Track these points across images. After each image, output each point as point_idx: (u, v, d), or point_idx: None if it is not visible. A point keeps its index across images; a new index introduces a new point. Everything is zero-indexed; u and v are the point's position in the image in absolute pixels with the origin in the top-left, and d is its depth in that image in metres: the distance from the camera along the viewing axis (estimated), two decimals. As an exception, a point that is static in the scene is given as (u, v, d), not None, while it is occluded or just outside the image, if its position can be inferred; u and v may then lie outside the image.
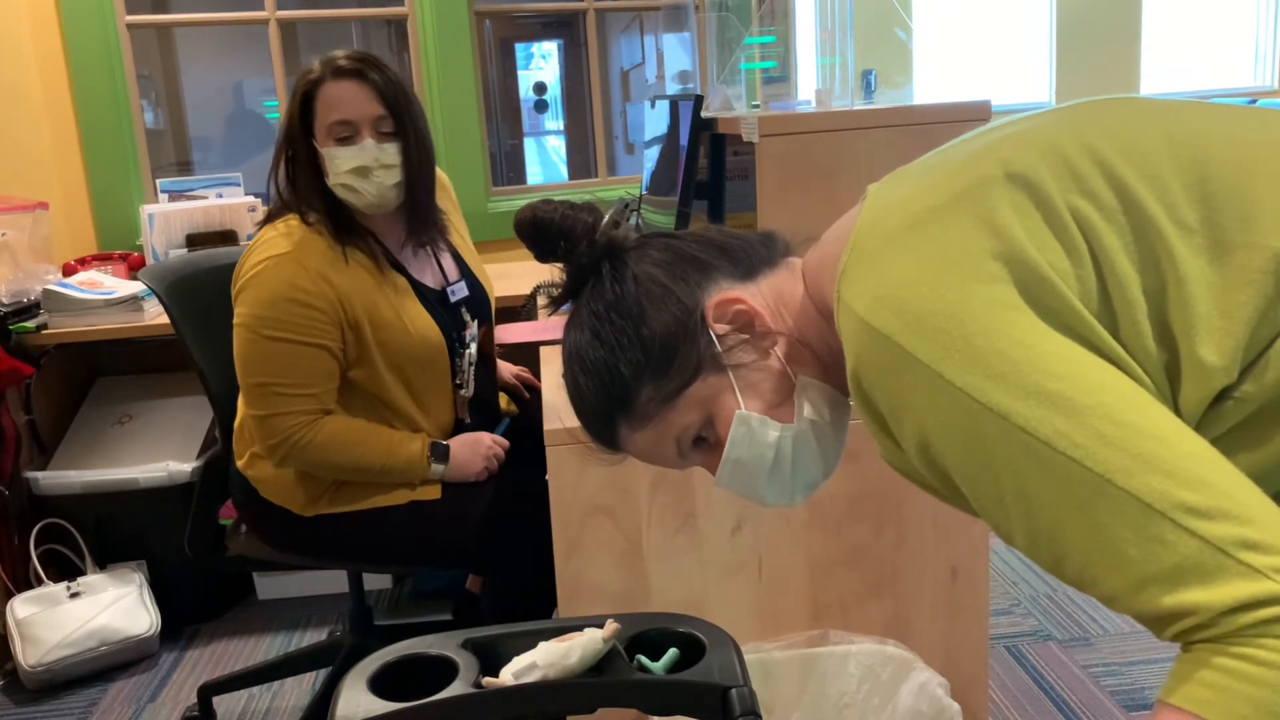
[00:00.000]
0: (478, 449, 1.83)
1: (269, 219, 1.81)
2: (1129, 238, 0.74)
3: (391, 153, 1.74)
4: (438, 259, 1.92)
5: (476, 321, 1.94)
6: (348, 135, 1.72)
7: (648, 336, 0.89)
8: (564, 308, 0.99)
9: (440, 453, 1.80)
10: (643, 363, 0.89)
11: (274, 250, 1.72)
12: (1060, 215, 0.75)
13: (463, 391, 1.90)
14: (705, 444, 0.93)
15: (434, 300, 1.85)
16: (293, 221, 1.77)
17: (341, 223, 1.76)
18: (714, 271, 0.91)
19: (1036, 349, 0.71)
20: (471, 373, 1.92)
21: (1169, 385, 0.74)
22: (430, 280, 1.88)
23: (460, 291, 1.92)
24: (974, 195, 0.77)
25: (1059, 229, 0.75)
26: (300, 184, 1.77)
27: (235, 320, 1.73)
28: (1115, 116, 0.81)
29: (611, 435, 0.94)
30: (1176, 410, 0.74)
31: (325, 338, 1.71)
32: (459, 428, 1.91)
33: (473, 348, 1.92)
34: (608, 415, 0.92)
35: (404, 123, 1.75)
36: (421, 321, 1.80)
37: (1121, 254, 0.74)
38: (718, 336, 0.89)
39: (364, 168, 1.72)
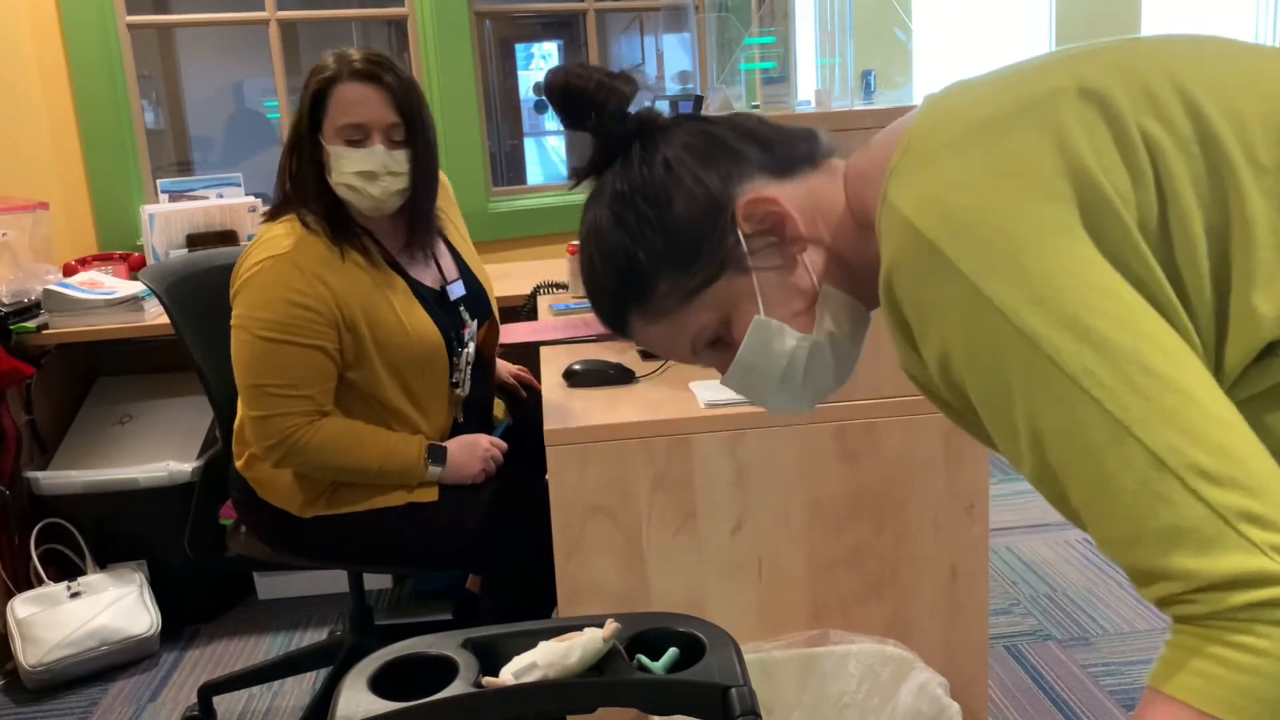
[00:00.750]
0: (475, 451, 1.83)
1: (271, 215, 1.81)
2: (1200, 169, 0.71)
3: (400, 160, 1.75)
4: (435, 258, 1.92)
5: (476, 321, 1.94)
6: (358, 138, 1.73)
7: (672, 227, 0.85)
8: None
9: (437, 455, 1.80)
10: (664, 254, 0.85)
11: (271, 251, 1.72)
12: (1130, 136, 0.71)
13: (458, 391, 1.90)
14: (719, 344, 0.90)
15: (432, 300, 1.86)
16: (292, 222, 1.77)
17: (339, 222, 1.77)
18: (749, 165, 0.86)
19: (1084, 279, 0.68)
20: (468, 372, 1.92)
21: (1215, 333, 0.72)
22: (428, 279, 1.88)
23: (458, 290, 1.92)
24: (1043, 107, 0.74)
25: (1127, 151, 0.71)
26: (302, 179, 1.77)
27: (232, 321, 1.74)
28: (1200, 49, 0.78)
29: (623, 323, 0.90)
30: (1220, 361, 0.72)
31: (321, 339, 1.71)
32: (456, 429, 1.92)
33: (471, 347, 1.92)
34: (621, 303, 0.89)
35: (415, 132, 1.76)
36: (420, 321, 1.80)
37: (1189, 186, 0.71)
38: (746, 237, 0.85)
39: (370, 172, 1.73)
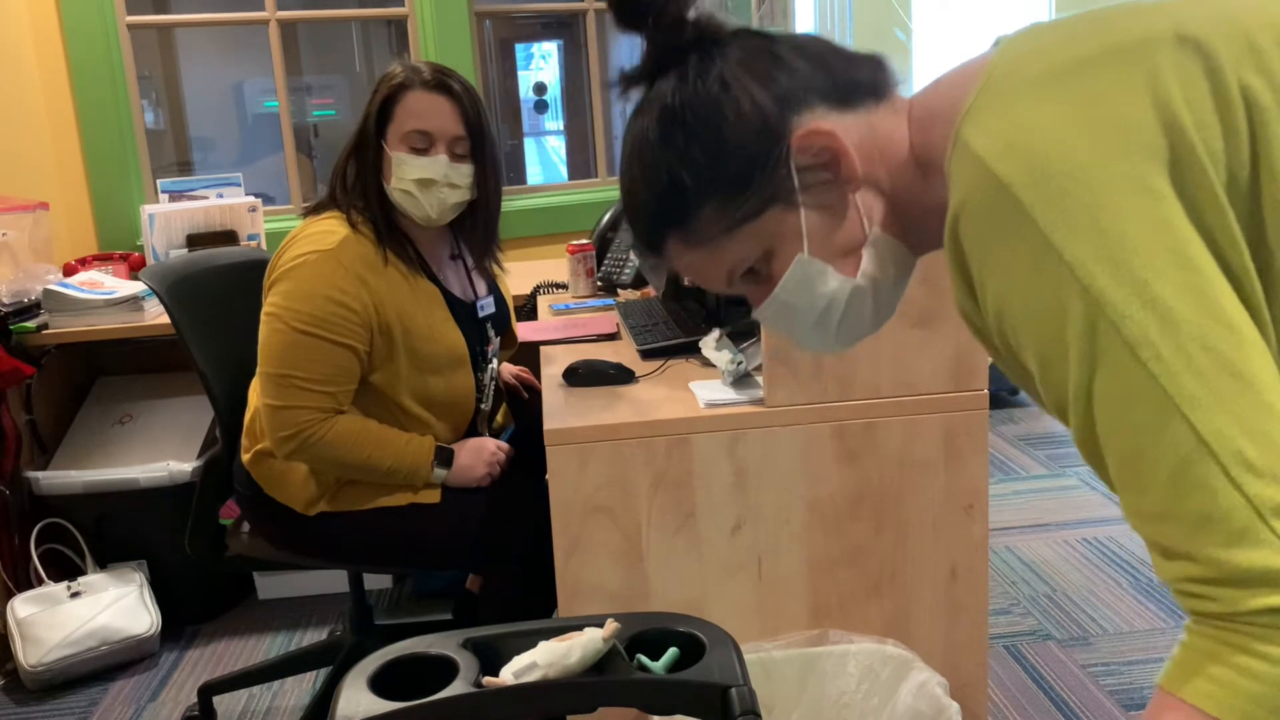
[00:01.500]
0: (481, 454, 1.84)
1: (314, 210, 1.83)
2: None
3: (462, 174, 1.77)
4: (470, 273, 1.95)
5: (499, 339, 1.98)
6: (423, 146, 1.75)
7: (722, 152, 0.81)
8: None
9: (444, 457, 1.80)
10: (711, 180, 0.81)
11: (316, 245, 1.73)
12: (1229, 90, 0.67)
13: (483, 406, 1.93)
14: (757, 275, 0.86)
15: (463, 314, 1.88)
16: (339, 219, 1.78)
17: (386, 227, 1.79)
18: (810, 93, 0.81)
19: (1160, 244, 0.65)
20: (492, 388, 1.95)
21: None
22: (460, 293, 1.90)
23: (488, 308, 1.96)
24: (1138, 52, 0.69)
25: (1223, 106, 0.67)
26: (360, 182, 1.79)
27: (266, 309, 1.74)
28: None
29: (659, 244, 0.86)
30: None
31: (354, 339, 1.72)
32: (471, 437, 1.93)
33: (495, 363, 1.96)
34: (660, 225, 0.85)
35: (481, 148, 1.78)
36: (448, 332, 1.82)
37: None
38: (799, 170, 0.80)
39: (430, 181, 1.74)
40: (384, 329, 1.75)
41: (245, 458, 1.86)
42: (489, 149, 1.80)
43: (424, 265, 1.84)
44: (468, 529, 1.80)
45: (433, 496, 1.80)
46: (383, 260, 1.76)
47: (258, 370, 1.76)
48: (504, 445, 1.89)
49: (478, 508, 1.81)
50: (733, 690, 1.04)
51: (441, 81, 1.75)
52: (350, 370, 1.74)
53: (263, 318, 1.75)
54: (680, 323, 2.02)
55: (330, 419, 1.73)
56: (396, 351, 1.76)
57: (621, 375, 1.76)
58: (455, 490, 1.82)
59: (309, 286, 1.70)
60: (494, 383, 1.97)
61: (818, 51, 0.84)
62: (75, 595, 2.49)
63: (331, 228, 1.76)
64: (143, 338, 2.61)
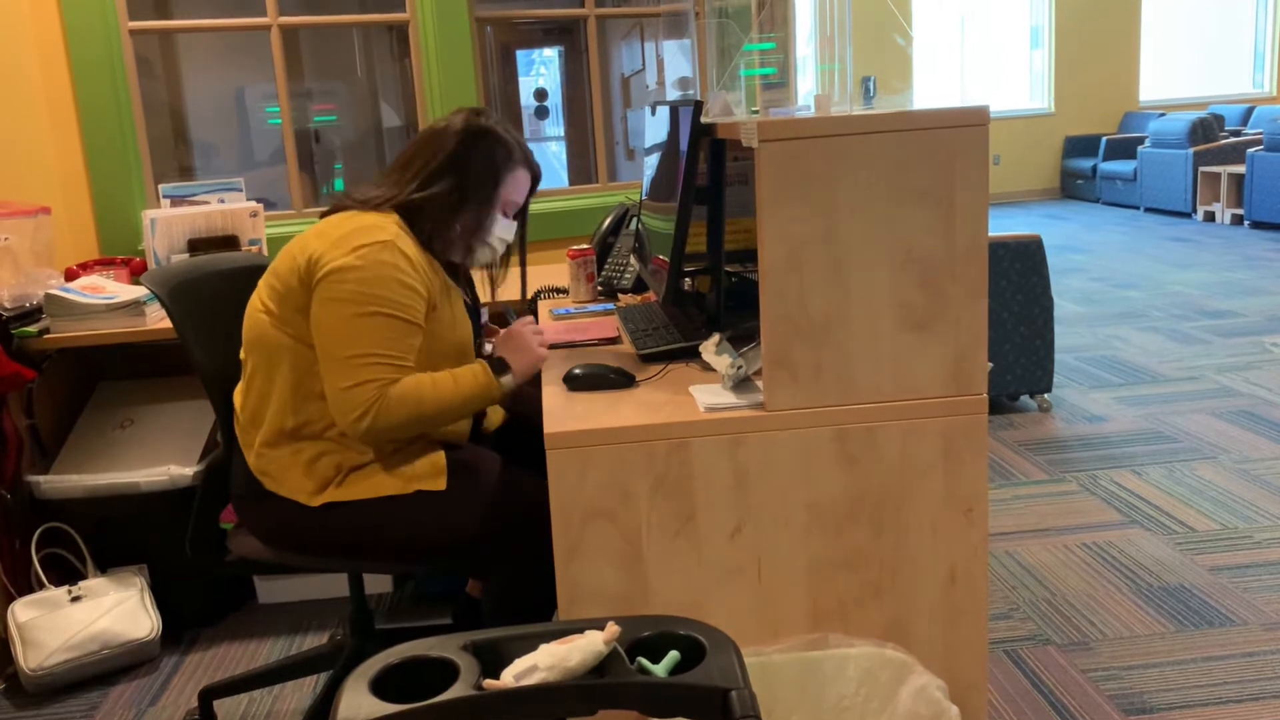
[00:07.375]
0: (522, 340, 1.91)
1: (363, 204, 1.90)
2: None
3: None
4: (470, 279, 2.10)
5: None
6: (508, 212, 1.99)
7: None
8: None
9: (499, 367, 1.86)
10: None
11: (376, 237, 1.81)
12: None
13: None
14: None
15: (471, 312, 2.00)
16: (388, 218, 1.86)
17: (430, 236, 1.91)
18: None
19: None
20: None
21: None
22: (468, 297, 2.03)
23: (485, 314, 2.11)
24: None
25: None
26: (451, 213, 1.91)
27: (333, 295, 1.76)
28: None
29: None
30: None
31: (420, 319, 1.81)
32: (475, 427, 1.98)
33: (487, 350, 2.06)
34: None
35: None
36: (464, 325, 1.93)
37: None
38: None
39: (506, 241, 2.00)
40: (429, 313, 1.84)
41: (248, 455, 1.87)
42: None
43: (450, 269, 1.98)
44: (472, 518, 1.80)
45: (438, 484, 1.81)
46: (428, 257, 1.88)
47: (322, 353, 1.77)
48: (529, 321, 1.98)
49: (483, 497, 1.82)
50: (733, 693, 1.04)
51: (537, 169, 2.04)
52: (416, 348, 1.82)
53: (327, 305, 1.76)
54: (680, 327, 2.02)
55: (392, 382, 1.76)
56: (426, 334, 1.84)
57: (622, 379, 1.76)
58: (460, 478, 1.83)
59: (380, 272, 1.77)
60: None
61: None
62: (76, 599, 2.49)
63: (381, 224, 1.83)
64: (144, 342, 2.62)
